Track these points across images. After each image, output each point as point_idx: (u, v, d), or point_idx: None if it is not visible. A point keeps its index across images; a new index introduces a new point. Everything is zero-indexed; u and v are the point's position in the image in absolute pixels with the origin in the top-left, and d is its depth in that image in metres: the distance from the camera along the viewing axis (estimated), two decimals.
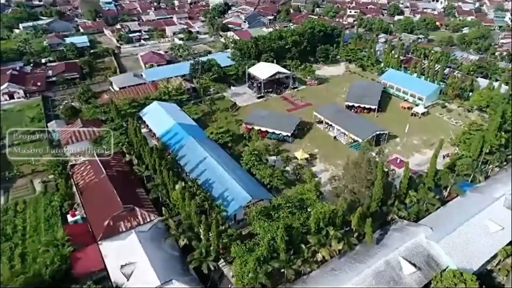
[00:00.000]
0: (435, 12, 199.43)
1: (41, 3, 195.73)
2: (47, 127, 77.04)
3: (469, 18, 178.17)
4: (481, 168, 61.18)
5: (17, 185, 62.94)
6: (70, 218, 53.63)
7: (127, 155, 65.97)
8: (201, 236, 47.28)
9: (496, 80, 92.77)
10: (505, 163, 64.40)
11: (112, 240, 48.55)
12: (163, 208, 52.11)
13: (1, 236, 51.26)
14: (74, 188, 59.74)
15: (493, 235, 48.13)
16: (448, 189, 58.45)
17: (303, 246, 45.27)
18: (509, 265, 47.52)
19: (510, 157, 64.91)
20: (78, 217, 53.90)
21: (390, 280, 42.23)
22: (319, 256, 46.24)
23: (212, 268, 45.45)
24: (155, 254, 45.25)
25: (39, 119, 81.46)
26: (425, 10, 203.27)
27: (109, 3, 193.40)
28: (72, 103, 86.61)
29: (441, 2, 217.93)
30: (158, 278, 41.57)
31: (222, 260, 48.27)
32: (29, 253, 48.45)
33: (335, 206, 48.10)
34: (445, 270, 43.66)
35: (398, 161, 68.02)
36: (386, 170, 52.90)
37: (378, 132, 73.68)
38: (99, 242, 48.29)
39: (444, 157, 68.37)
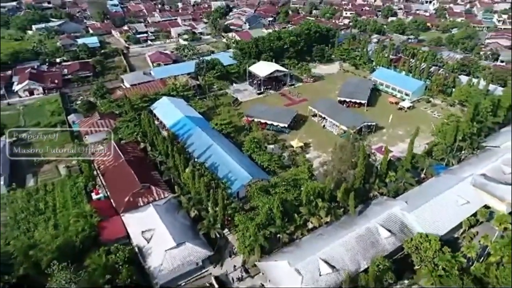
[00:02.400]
0: (427, 14, 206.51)
1: (51, 5, 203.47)
2: (67, 119, 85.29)
3: (459, 20, 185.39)
4: (455, 153, 69.19)
5: (44, 169, 71.17)
6: (94, 196, 61.96)
7: (141, 144, 73.93)
8: (209, 209, 55.36)
9: (477, 77, 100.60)
10: (477, 149, 72.21)
11: (132, 212, 56.64)
12: (175, 186, 60.01)
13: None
14: (95, 172, 67.87)
15: (459, 207, 56.23)
16: (424, 171, 66.48)
17: (295, 215, 53.56)
18: (473, 233, 55.58)
19: (482, 144, 72.82)
20: (101, 195, 62.23)
21: (369, 242, 50.28)
22: (309, 225, 54.53)
23: (219, 236, 53.63)
24: (170, 222, 53.29)
25: (58, 113, 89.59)
26: (417, 12, 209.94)
27: (116, 5, 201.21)
28: (89, 99, 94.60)
29: (433, 4, 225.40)
30: (174, 240, 49.73)
31: (227, 230, 56.38)
32: (61, 224, 56.35)
33: (325, 185, 56.13)
34: None
35: (383, 149, 75.74)
36: (368, 153, 60.98)
37: (366, 124, 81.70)
38: (121, 214, 56.44)
39: (425, 147, 76.29)
